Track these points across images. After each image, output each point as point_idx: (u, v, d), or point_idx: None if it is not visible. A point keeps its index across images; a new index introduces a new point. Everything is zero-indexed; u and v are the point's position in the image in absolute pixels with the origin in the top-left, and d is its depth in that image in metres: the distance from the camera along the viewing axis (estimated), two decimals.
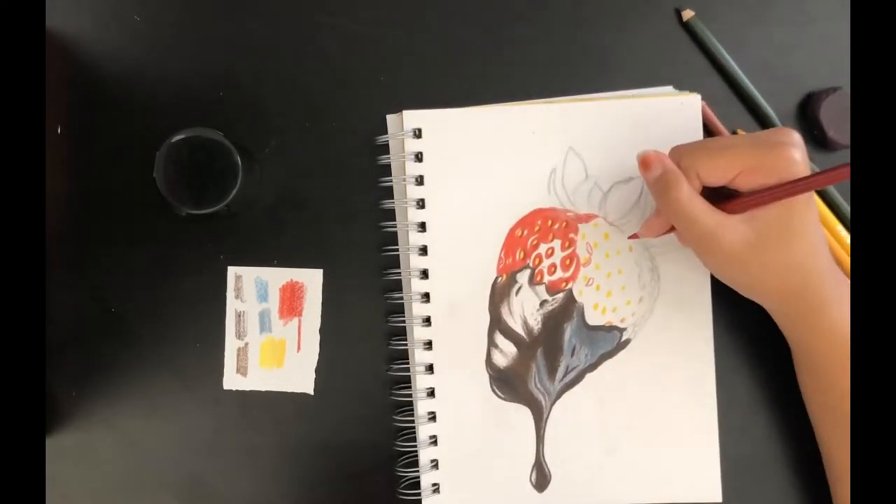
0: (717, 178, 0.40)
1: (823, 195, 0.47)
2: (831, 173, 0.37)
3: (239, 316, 0.49)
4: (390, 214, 0.48)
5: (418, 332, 0.47)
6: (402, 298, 0.48)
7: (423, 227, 0.47)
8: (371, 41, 0.49)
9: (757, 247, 0.40)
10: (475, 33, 0.48)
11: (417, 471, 0.47)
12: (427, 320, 0.47)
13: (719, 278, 0.43)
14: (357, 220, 0.48)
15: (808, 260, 0.40)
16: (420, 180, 0.47)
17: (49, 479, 0.48)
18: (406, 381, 0.48)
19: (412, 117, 0.48)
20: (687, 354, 0.47)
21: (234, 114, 0.49)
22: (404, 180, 0.47)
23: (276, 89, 0.49)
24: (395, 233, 0.48)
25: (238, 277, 0.49)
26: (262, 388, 0.49)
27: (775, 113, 0.48)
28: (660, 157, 0.41)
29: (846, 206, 0.47)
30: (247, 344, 0.49)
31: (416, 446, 0.47)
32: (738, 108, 0.48)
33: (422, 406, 0.47)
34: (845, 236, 0.47)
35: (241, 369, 0.49)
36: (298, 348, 0.49)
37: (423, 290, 0.47)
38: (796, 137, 0.39)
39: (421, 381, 0.47)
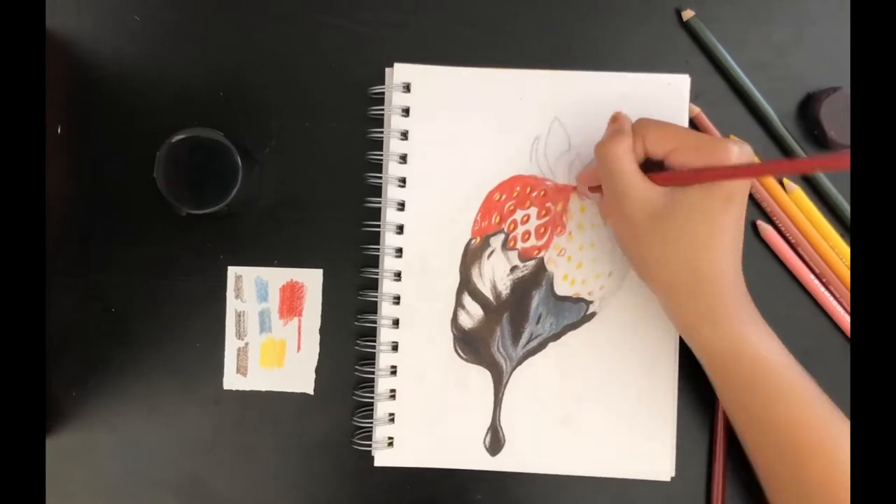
0: (658, 147, 0.40)
1: (823, 195, 0.47)
2: (748, 168, 0.37)
3: (239, 316, 0.49)
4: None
5: (388, 286, 0.48)
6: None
7: (403, 182, 0.48)
8: (371, 41, 0.49)
9: (660, 219, 0.40)
10: (477, 33, 0.48)
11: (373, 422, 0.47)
12: (398, 275, 0.48)
13: (621, 248, 0.43)
14: (357, 220, 0.48)
15: (703, 265, 0.39)
16: (405, 135, 0.48)
17: (49, 479, 0.48)
18: (374, 334, 0.48)
19: (402, 71, 0.48)
20: (651, 333, 0.47)
21: (234, 114, 0.49)
22: (389, 134, 0.48)
23: (276, 89, 0.49)
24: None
25: (238, 277, 0.49)
26: (262, 388, 0.49)
27: (775, 113, 0.48)
28: (624, 116, 0.42)
29: (846, 206, 0.47)
30: (247, 344, 0.49)
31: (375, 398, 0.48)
32: (738, 108, 0.48)
33: (384, 359, 0.48)
34: (844, 236, 0.47)
35: (241, 369, 0.49)
36: (298, 348, 0.49)
37: (397, 245, 0.48)
38: (746, 147, 0.39)
39: (385, 335, 0.48)
